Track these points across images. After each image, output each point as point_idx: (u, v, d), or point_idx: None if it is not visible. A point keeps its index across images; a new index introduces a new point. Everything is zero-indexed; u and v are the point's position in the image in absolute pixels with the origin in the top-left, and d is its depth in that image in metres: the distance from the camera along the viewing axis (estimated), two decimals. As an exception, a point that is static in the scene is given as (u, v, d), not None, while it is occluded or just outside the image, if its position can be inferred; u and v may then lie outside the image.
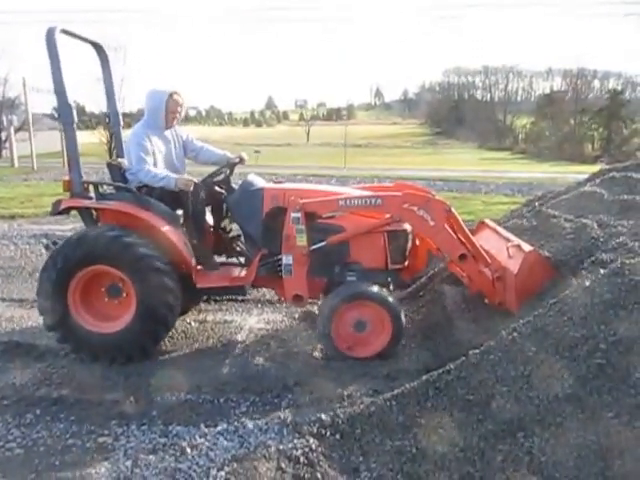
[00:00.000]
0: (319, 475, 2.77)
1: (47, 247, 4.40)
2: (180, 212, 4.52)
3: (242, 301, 5.72)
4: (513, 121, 65.72)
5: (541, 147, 48.63)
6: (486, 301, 4.34)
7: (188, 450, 3.01)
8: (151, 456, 3.00)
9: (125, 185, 4.47)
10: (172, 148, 4.70)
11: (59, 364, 4.19)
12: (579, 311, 3.22)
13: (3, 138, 28.73)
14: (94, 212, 4.52)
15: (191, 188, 4.35)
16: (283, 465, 2.84)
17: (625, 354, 2.95)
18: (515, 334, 3.27)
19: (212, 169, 4.78)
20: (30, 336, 4.67)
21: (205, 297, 5.40)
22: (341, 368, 3.95)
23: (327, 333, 4.11)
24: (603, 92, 57.71)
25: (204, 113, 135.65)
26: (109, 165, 4.70)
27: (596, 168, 7.15)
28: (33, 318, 5.07)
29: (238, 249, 4.83)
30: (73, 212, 4.70)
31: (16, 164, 24.22)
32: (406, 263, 4.56)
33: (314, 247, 4.24)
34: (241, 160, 4.80)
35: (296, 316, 5.22)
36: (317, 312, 4.65)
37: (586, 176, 6.55)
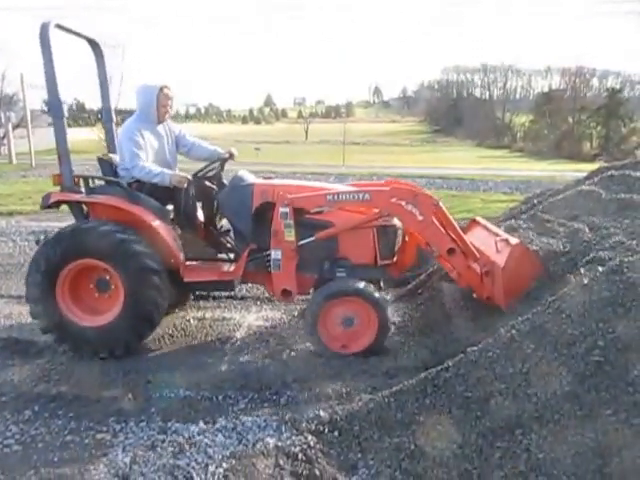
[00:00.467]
0: (317, 472, 2.77)
1: (37, 242, 4.39)
2: (170, 207, 4.53)
3: (241, 298, 5.73)
4: (512, 119, 65.64)
5: (540, 145, 48.60)
6: (474, 296, 4.35)
7: (186, 447, 3.01)
8: (149, 453, 3.00)
9: (116, 180, 4.48)
10: (164, 143, 4.72)
11: (58, 361, 4.19)
12: (577, 309, 3.23)
13: (1, 135, 28.62)
14: (85, 207, 4.53)
15: (185, 185, 4.37)
16: (281, 462, 2.84)
17: (623, 352, 2.95)
18: (513, 332, 3.27)
19: (203, 165, 4.82)
20: (29, 333, 4.66)
21: (196, 293, 5.42)
22: (340, 365, 3.95)
23: (314, 333, 4.17)
24: (602, 90, 57.73)
25: (203, 110, 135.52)
26: (100, 160, 4.73)
27: (594, 166, 7.16)
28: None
29: (228, 245, 4.85)
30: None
31: (14, 160, 24.18)
32: (395, 259, 4.58)
33: (302, 242, 4.27)
34: (231, 156, 4.82)
35: (295, 313, 5.21)
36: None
37: (584, 174, 6.56)
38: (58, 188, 4.47)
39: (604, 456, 2.61)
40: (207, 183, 4.77)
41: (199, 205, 4.79)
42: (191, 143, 4.93)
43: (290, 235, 4.22)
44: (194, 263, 4.72)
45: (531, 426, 2.83)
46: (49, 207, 4.55)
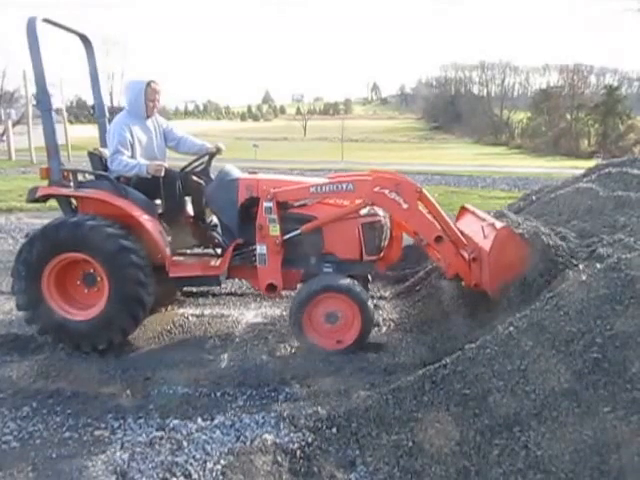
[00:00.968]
0: (315, 469, 2.78)
1: (27, 236, 4.40)
2: (159, 201, 4.54)
3: (240, 295, 5.73)
4: (510, 116, 65.53)
5: (537, 142, 48.61)
6: (462, 284, 4.35)
7: (185, 443, 3.01)
8: (148, 449, 2.99)
9: (105, 174, 4.49)
10: (153, 137, 4.75)
11: (56, 357, 4.19)
12: (575, 306, 3.23)
13: (1, 131, 28.49)
14: (74, 201, 4.53)
15: (162, 173, 4.37)
16: (279, 459, 2.84)
17: (621, 349, 2.96)
18: (511, 328, 3.27)
19: (192, 159, 4.85)
20: (28, 329, 4.65)
21: (183, 289, 5.43)
22: (338, 362, 3.95)
23: (297, 332, 4.23)
24: (599, 88, 57.62)
25: (202, 107, 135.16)
26: (90, 154, 4.74)
27: (592, 163, 7.17)
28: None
29: (216, 240, 4.85)
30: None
31: (13, 157, 24.10)
32: (382, 255, 4.58)
33: (287, 237, 4.29)
34: (218, 150, 4.85)
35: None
36: None
37: (582, 171, 6.56)
38: (46, 182, 4.46)
39: (602, 453, 2.61)
40: (194, 178, 4.78)
41: (188, 200, 4.80)
42: (179, 137, 4.96)
43: (275, 230, 4.25)
44: (180, 258, 4.73)
45: (529, 423, 2.83)
46: (36, 201, 4.55)
